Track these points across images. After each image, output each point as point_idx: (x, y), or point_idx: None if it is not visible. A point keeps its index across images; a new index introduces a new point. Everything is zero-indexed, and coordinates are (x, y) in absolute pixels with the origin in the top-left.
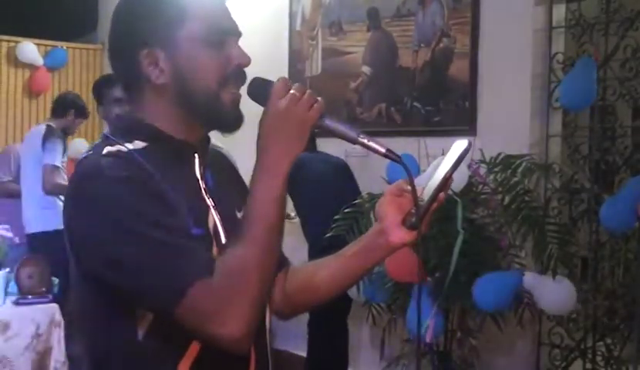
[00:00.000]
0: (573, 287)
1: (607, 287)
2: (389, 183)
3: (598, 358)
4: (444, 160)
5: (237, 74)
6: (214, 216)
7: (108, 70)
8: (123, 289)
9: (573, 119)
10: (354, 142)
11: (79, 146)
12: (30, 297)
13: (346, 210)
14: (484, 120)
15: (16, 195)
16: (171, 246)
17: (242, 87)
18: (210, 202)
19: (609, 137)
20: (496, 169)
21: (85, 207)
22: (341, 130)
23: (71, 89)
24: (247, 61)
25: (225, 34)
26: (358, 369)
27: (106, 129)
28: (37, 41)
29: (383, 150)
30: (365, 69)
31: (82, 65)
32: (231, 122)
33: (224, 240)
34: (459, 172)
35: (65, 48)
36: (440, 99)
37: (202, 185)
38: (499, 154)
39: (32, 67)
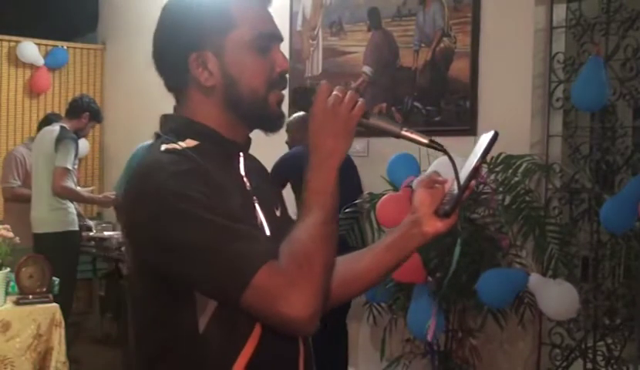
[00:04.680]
0: (575, 292)
1: (607, 287)
2: (390, 182)
3: (599, 358)
4: (473, 151)
5: (281, 78)
6: (260, 213)
7: (109, 70)
8: (190, 277)
9: (573, 119)
10: (397, 135)
11: (81, 146)
12: (31, 297)
13: (346, 210)
14: (485, 120)
15: (25, 200)
16: (237, 232)
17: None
18: (255, 199)
19: (610, 137)
20: (496, 169)
21: (150, 201)
22: (384, 126)
23: (71, 89)
24: (288, 66)
25: (271, 39)
26: (358, 369)
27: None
28: (37, 41)
29: (426, 141)
30: (366, 69)
31: (82, 64)
32: (276, 123)
33: (268, 233)
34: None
35: (65, 47)
36: (441, 98)
37: (247, 183)
38: (499, 154)
39: (32, 67)
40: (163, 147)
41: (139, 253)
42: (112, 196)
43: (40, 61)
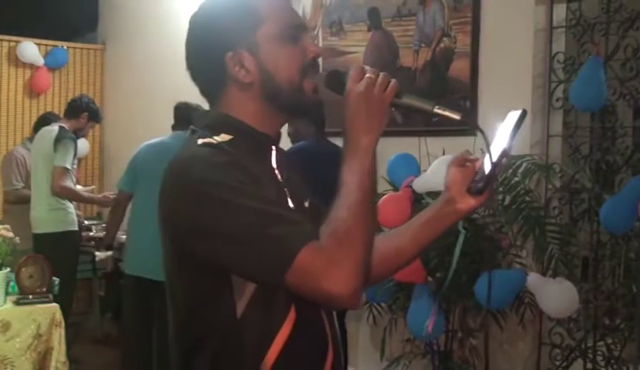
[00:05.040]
0: (575, 290)
1: (607, 287)
2: (390, 182)
3: (599, 358)
4: (501, 130)
5: (313, 64)
6: (290, 204)
7: (109, 70)
8: (235, 262)
9: (573, 119)
10: (430, 113)
11: (81, 146)
12: (31, 297)
13: None
14: (485, 120)
15: (28, 201)
16: (278, 216)
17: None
18: (286, 191)
19: (610, 137)
20: None
21: (191, 192)
22: (416, 104)
23: (71, 89)
24: (321, 52)
25: (298, 29)
26: (358, 369)
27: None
28: (38, 41)
29: (458, 117)
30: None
31: (82, 64)
32: (315, 109)
33: None
34: None
35: (65, 47)
36: (441, 98)
37: (278, 175)
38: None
39: (32, 67)
40: (200, 141)
41: (178, 244)
42: (112, 196)
43: (40, 61)
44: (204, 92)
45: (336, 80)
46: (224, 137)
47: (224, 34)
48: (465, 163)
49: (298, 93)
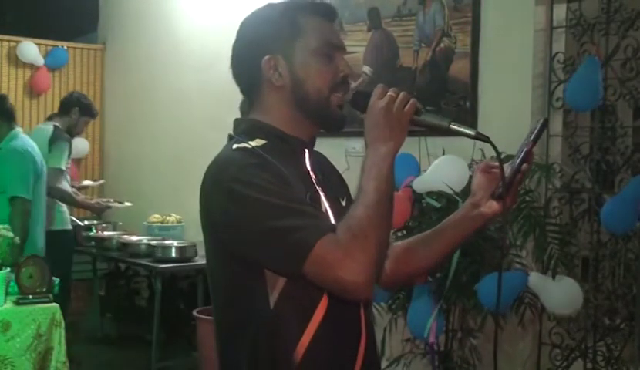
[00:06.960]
0: (578, 286)
1: (607, 287)
2: None
3: (599, 358)
4: (525, 138)
5: (343, 83)
6: (325, 202)
7: (109, 70)
8: (260, 254)
9: (574, 119)
10: (446, 130)
11: (81, 146)
12: (31, 297)
13: None
14: (485, 120)
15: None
16: (299, 211)
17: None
18: (320, 190)
19: (610, 137)
20: None
21: (223, 189)
22: (433, 122)
23: (72, 89)
24: (351, 73)
25: (334, 49)
26: None
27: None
28: (38, 41)
29: (473, 133)
30: (366, 69)
31: (82, 64)
32: (337, 122)
33: (333, 222)
34: (460, 172)
35: (65, 47)
36: (441, 99)
37: (312, 176)
38: (499, 154)
39: (32, 67)
40: (234, 146)
41: (215, 239)
42: (105, 203)
43: (40, 61)
44: (244, 92)
45: (361, 100)
46: (258, 141)
47: (264, 39)
48: (491, 169)
49: (324, 104)
